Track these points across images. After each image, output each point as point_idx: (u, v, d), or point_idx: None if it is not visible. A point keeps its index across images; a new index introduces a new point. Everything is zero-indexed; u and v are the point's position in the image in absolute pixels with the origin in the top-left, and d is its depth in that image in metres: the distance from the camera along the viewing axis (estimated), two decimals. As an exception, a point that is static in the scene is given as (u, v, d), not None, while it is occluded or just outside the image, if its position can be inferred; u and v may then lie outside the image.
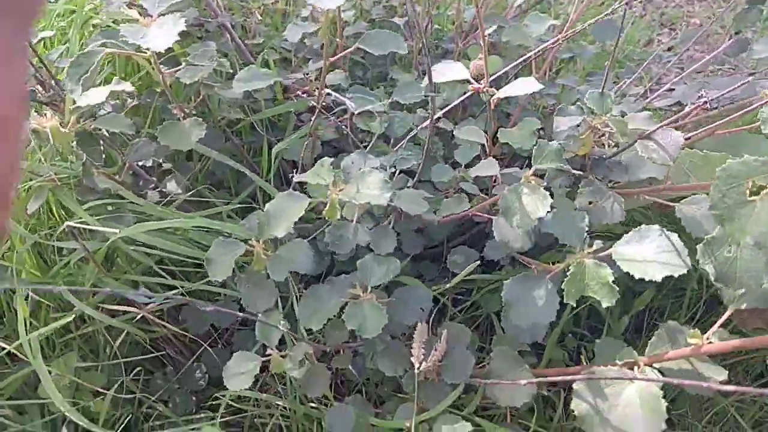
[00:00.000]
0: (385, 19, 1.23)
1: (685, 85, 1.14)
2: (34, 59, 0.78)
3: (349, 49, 0.84)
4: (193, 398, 1.08)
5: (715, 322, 1.08)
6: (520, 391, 0.75)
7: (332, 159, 0.73)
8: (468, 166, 1.08)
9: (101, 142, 0.80)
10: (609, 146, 0.83)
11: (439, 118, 1.07)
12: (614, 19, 1.13)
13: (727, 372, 0.68)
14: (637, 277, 0.63)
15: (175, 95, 0.89)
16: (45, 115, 0.66)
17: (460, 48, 1.24)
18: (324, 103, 1.00)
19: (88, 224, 0.75)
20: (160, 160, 0.94)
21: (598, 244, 0.68)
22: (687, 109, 0.88)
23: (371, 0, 1.33)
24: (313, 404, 0.97)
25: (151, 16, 0.64)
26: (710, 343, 0.60)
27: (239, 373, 0.73)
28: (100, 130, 0.77)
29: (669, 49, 1.82)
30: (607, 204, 0.76)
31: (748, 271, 0.58)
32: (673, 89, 1.16)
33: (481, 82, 0.85)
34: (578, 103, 0.86)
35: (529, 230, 0.75)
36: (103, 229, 0.69)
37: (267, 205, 0.73)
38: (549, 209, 0.69)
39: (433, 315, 1.06)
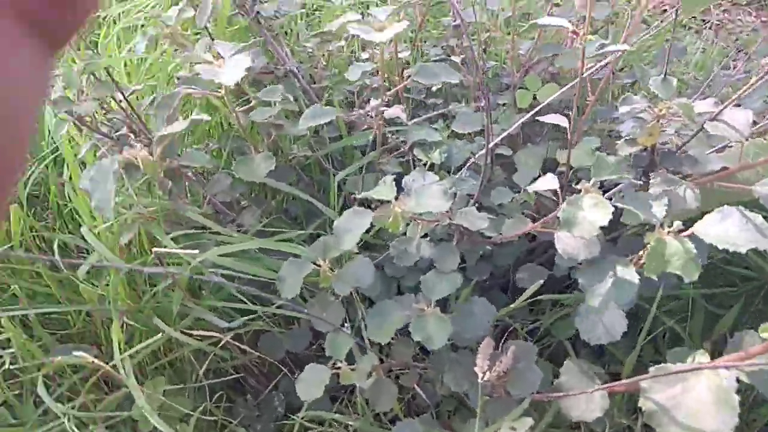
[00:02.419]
0: (443, 59, 1.30)
1: (750, 99, 1.11)
2: (127, 109, 0.89)
3: (405, 82, 0.90)
4: (272, 425, 1.13)
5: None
6: (593, 402, 0.73)
7: (394, 176, 0.77)
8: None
9: (185, 178, 0.89)
10: (675, 142, 0.83)
11: (497, 144, 1.10)
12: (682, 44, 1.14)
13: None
14: (720, 247, 0.63)
15: (250, 138, 0.98)
16: (135, 146, 0.75)
17: (516, 80, 1.28)
18: (385, 136, 1.06)
19: (174, 252, 0.83)
20: (238, 196, 1.02)
21: (677, 224, 0.68)
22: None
23: (430, 43, 1.41)
24: (384, 426, 0.99)
25: (224, 59, 0.73)
26: (785, 335, 0.58)
27: (311, 383, 0.77)
28: (184, 166, 0.86)
29: (746, 72, 1.78)
30: (680, 190, 0.76)
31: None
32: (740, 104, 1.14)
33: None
34: (642, 91, 0.86)
35: (593, 239, 0.76)
36: (185, 251, 0.76)
37: (335, 222, 0.78)
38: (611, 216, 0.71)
39: (503, 341, 1.06)
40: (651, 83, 0.79)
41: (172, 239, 0.89)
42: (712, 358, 0.69)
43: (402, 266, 1.01)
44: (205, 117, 0.78)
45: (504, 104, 1.29)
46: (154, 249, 0.80)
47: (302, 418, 0.95)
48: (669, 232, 0.68)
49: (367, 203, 0.97)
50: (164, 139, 0.73)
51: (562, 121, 0.80)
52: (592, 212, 0.69)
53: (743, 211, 0.68)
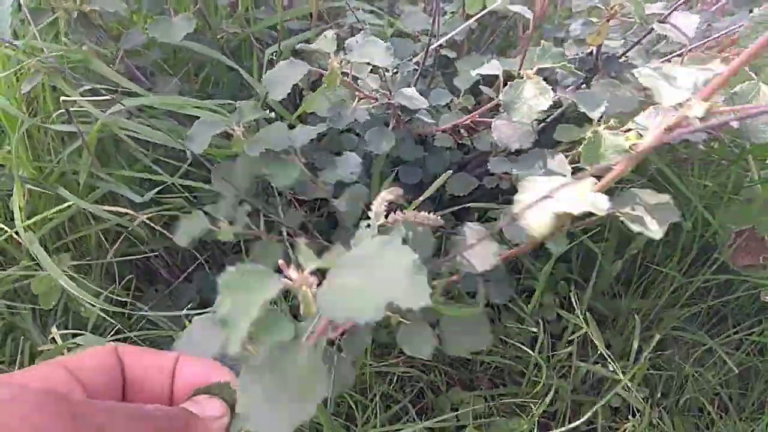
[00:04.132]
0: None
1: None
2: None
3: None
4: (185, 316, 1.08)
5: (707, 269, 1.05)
6: (487, 255, 0.70)
7: (336, 32, 0.72)
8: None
9: (98, 26, 0.81)
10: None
11: (441, 45, 1.07)
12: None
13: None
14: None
15: (172, 2, 0.90)
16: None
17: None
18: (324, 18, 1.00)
19: (84, 101, 0.76)
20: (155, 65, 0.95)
21: (615, 121, 0.66)
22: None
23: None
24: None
25: None
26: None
27: (187, 229, 0.73)
28: (96, 11, 0.78)
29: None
30: (621, 92, 0.74)
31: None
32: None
33: None
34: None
35: (530, 128, 0.75)
36: (96, 99, 0.69)
37: (267, 73, 0.72)
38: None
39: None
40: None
41: (80, 93, 0.81)
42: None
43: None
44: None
45: (453, 12, 1.25)
46: (62, 98, 0.73)
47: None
48: (606, 127, 0.66)
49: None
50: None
51: (526, 12, 0.78)
52: (533, 96, 0.67)
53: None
